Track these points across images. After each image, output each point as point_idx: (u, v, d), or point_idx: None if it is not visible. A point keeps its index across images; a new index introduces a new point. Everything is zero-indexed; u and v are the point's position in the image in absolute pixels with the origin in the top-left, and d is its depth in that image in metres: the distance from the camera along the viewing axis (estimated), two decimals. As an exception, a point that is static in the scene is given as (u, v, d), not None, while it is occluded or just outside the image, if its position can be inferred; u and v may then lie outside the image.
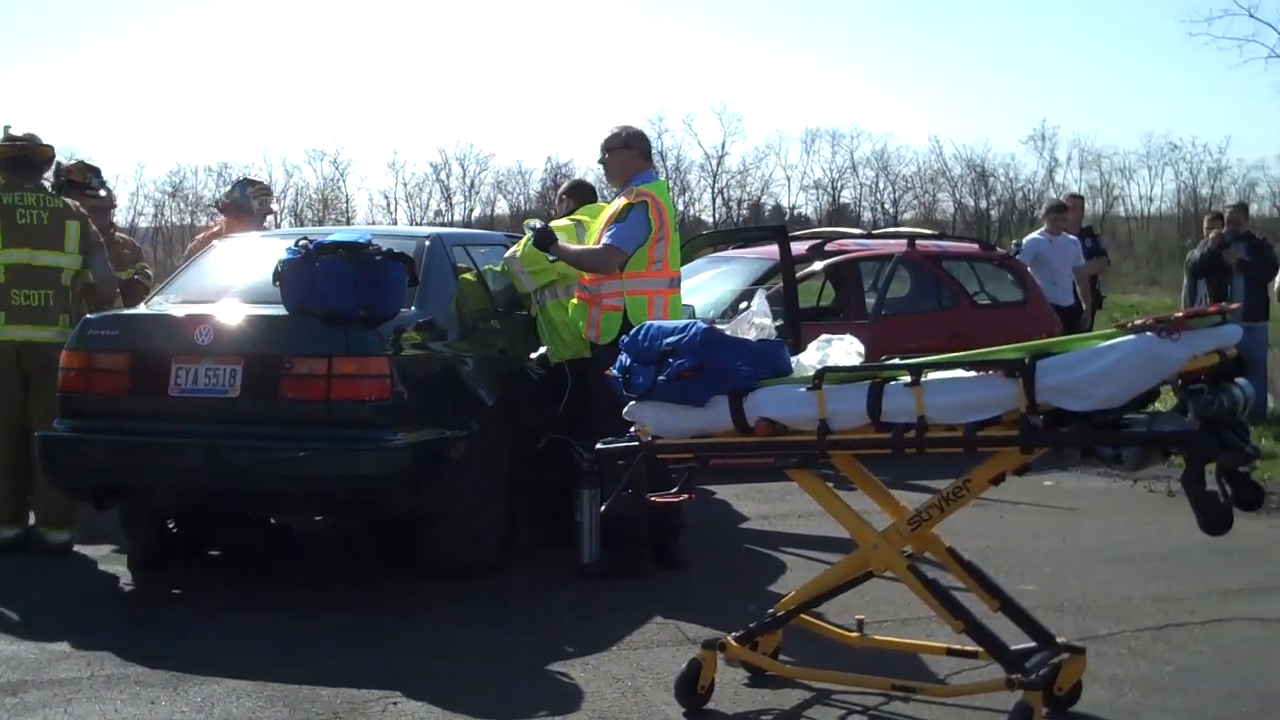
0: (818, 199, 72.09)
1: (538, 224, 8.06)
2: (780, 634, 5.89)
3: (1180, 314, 4.92)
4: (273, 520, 8.84)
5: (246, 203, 10.60)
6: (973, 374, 5.11)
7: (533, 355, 8.40)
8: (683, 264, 8.70)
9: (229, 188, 10.62)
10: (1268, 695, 5.91)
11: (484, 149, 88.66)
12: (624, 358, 5.67)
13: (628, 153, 8.23)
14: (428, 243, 8.20)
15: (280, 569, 8.43)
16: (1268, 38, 43.67)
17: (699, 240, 12.42)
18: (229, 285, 8.05)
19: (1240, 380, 4.96)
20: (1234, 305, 5.27)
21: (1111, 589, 7.76)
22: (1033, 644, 5.51)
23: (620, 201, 8.01)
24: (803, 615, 5.77)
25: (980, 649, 5.39)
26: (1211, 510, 4.76)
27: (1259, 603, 7.51)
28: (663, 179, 8.72)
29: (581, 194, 9.33)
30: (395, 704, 5.71)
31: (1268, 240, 14.94)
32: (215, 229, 10.92)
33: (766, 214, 67.47)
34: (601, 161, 8.46)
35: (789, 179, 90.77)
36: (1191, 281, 15.46)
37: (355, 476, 7.18)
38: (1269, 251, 14.10)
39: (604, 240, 7.91)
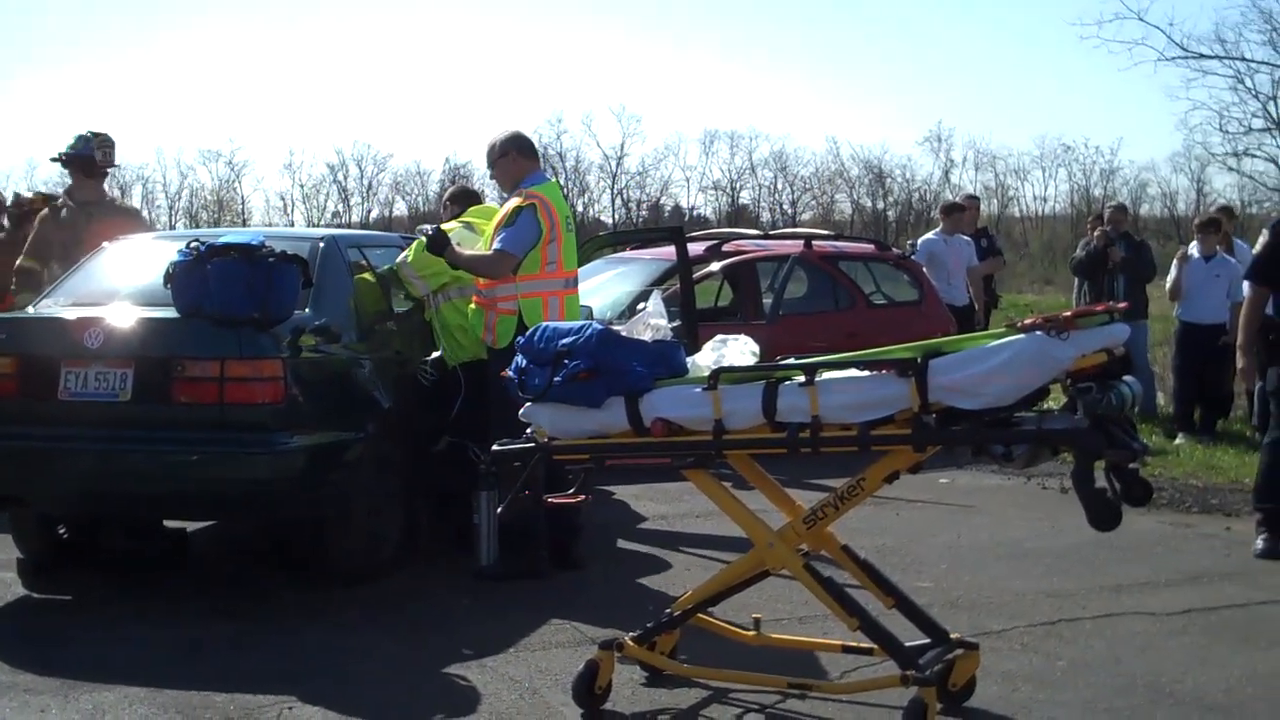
0: (717, 200, 72.45)
1: (431, 228, 8.00)
2: (677, 633, 5.91)
3: (1069, 313, 4.98)
4: (166, 525, 8.72)
5: (89, 152, 10.23)
6: (866, 373, 5.15)
7: (424, 360, 8.34)
8: (580, 265, 8.70)
9: (71, 140, 10.26)
10: (1157, 688, 6.00)
11: (382, 150, 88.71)
12: (519, 359, 5.66)
13: (508, 159, 8.22)
14: (322, 244, 8.12)
15: (173, 574, 8.32)
16: (1157, 41, 44.28)
17: (596, 241, 12.44)
18: (119, 287, 7.92)
19: (1128, 378, 5.03)
20: (1121, 305, 5.35)
21: (1005, 585, 7.85)
22: (927, 640, 5.57)
23: (510, 204, 7.99)
24: (699, 614, 5.79)
25: (875, 646, 5.44)
26: (1101, 506, 4.82)
27: (1148, 597, 7.62)
28: (554, 180, 8.71)
29: (465, 199, 9.31)
30: (290, 709, 5.66)
31: (1145, 241, 15.20)
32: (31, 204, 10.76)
33: (666, 215, 67.69)
34: (492, 176, 8.49)
35: (688, 180, 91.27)
36: (1079, 281, 15.70)
37: (249, 480, 7.12)
38: (1147, 251, 14.37)
39: (495, 245, 7.89)
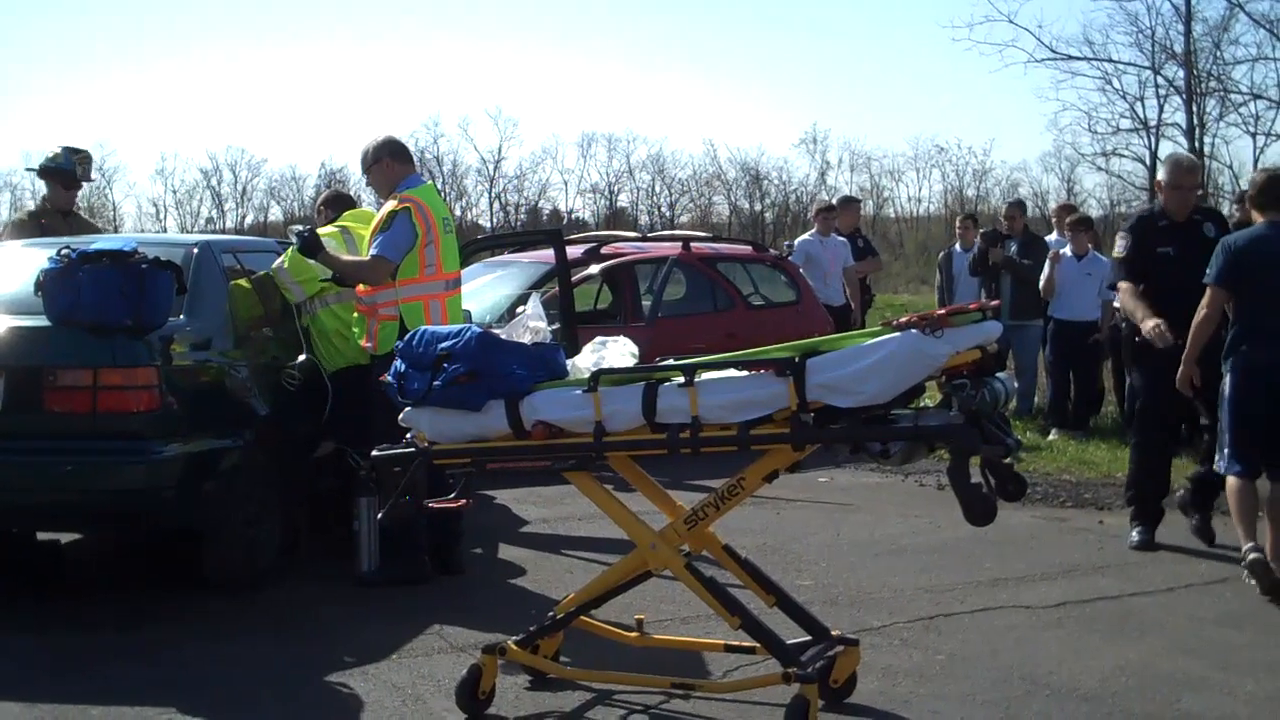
0: (595, 203, 72.43)
1: (304, 230, 7.88)
2: (561, 636, 5.91)
3: (943, 311, 5.05)
4: (39, 536, 8.57)
5: (70, 166, 10.49)
6: (745, 374, 5.19)
7: (290, 365, 8.23)
8: (460, 267, 8.66)
9: (52, 153, 10.48)
10: (1033, 679, 6.10)
11: (256, 154, 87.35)
12: (398, 364, 5.63)
13: (382, 165, 8.15)
14: (196, 250, 8.02)
15: (49, 585, 8.17)
16: (1027, 43, 45.08)
17: (475, 244, 12.40)
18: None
19: (1001, 375, 5.12)
20: (994, 302, 5.43)
21: (884, 581, 7.94)
22: (808, 638, 5.62)
23: (385, 209, 7.94)
24: (583, 617, 5.79)
25: (758, 644, 5.48)
26: (975, 502, 4.90)
27: (1023, 590, 7.75)
28: (429, 182, 8.65)
29: (340, 204, 9.22)
30: (170, 720, 5.59)
31: (1041, 238, 15.32)
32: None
33: (544, 218, 67.55)
34: (368, 182, 8.45)
35: (566, 183, 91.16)
36: (945, 281, 15.87)
37: (123, 490, 7.01)
38: (1042, 250, 14.46)
39: (371, 250, 7.84)
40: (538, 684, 5.91)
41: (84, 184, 10.97)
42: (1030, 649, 6.62)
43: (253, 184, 72.54)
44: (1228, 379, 7.91)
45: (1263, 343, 7.79)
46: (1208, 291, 8.00)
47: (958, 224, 17.44)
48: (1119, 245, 8.98)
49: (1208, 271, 8.01)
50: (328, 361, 8.23)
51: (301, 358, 8.19)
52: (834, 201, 17.45)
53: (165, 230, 65.28)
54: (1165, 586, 7.87)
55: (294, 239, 7.89)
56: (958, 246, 16.14)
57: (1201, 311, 8.03)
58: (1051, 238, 15.26)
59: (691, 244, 14.38)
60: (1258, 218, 8.07)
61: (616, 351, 5.68)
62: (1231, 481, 7.90)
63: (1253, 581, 7.65)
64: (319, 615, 7.29)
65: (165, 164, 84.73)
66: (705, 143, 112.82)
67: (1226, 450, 7.94)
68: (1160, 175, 9.06)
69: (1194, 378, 8.11)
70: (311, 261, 7.90)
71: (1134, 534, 8.88)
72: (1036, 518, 9.86)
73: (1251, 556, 7.62)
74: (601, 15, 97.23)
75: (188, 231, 62.10)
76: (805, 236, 15.95)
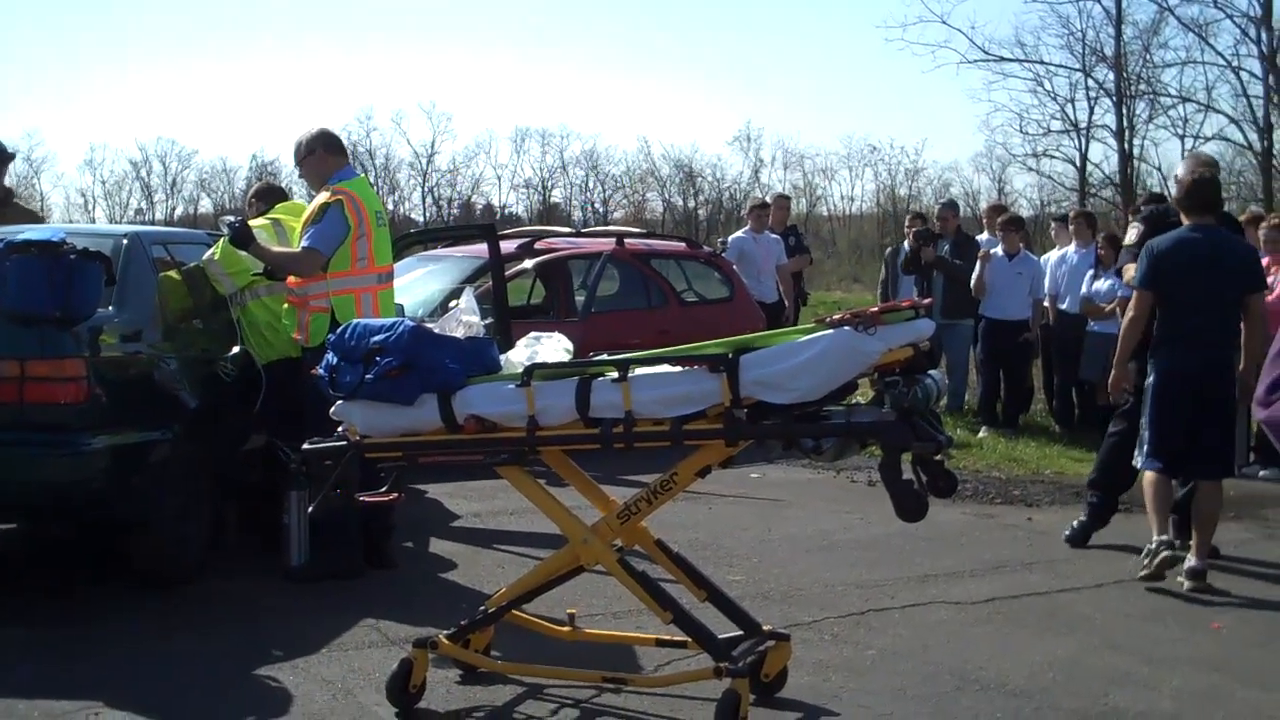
0: (529, 198, 72.24)
1: (235, 220, 7.82)
2: (492, 631, 5.91)
3: (875, 309, 5.08)
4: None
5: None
6: (678, 369, 5.20)
7: (225, 356, 8.17)
8: (393, 261, 8.61)
9: None
10: (963, 675, 6.15)
11: (187, 146, 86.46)
12: (330, 357, 5.60)
13: (315, 157, 8.10)
14: (125, 241, 7.94)
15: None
16: (959, 44, 45.33)
17: (408, 238, 12.33)
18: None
19: (933, 372, 5.16)
20: (926, 300, 5.46)
21: (815, 576, 7.98)
22: (740, 632, 5.64)
23: (317, 201, 7.90)
24: (514, 611, 5.79)
25: (689, 639, 5.49)
26: (906, 498, 4.93)
27: (953, 586, 7.81)
28: (362, 175, 8.61)
29: (271, 196, 9.15)
30: (97, 715, 5.53)
31: (972, 238, 15.41)
32: None
33: (478, 213, 67.26)
34: (300, 174, 8.40)
35: (500, 178, 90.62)
36: (890, 277, 15.95)
37: (50, 482, 6.94)
38: (974, 250, 14.55)
39: (303, 242, 7.79)
40: (469, 678, 5.89)
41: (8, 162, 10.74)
42: (960, 644, 6.67)
43: (183, 175, 71.91)
44: (1151, 378, 8.01)
45: (1184, 345, 7.89)
46: (1134, 295, 8.09)
47: (907, 222, 17.50)
48: (1131, 234, 9.01)
49: (1134, 275, 8.11)
50: (259, 354, 8.18)
51: (236, 349, 8.14)
52: (767, 199, 17.49)
53: (94, 221, 64.64)
54: (1094, 582, 7.95)
55: (225, 230, 7.83)
56: (906, 244, 16.23)
57: (1129, 314, 8.13)
58: (983, 238, 15.38)
59: (625, 240, 14.38)
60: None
61: (551, 347, 5.69)
62: (1149, 476, 8.02)
63: (1145, 562, 7.78)
64: (248, 609, 7.24)
65: (94, 155, 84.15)
66: (639, 139, 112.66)
67: (1146, 447, 8.05)
68: (1179, 171, 9.00)
69: (1126, 380, 8.19)
70: (243, 254, 7.85)
71: (1074, 524, 8.90)
72: (967, 514, 9.93)
73: (1164, 554, 7.73)
74: (536, 11, 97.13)
75: (117, 223, 61.48)
76: (739, 233, 15.97)
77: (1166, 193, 13.54)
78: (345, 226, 7.73)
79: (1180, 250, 7.93)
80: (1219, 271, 7.87)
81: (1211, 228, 7.98)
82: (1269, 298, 10.59)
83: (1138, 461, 8.19)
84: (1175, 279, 7.89)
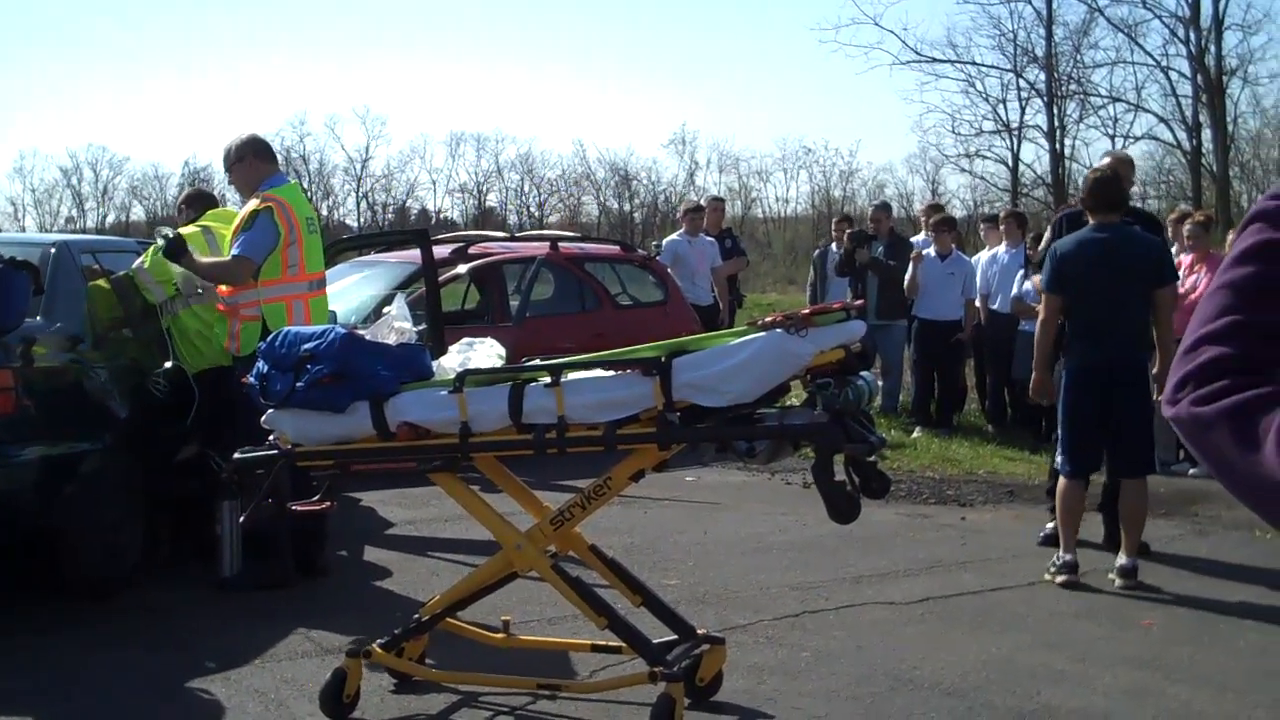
0: (464, 203, 71.99)
1: (169, 233, 7.77)
2: (426, 639, 5.88)
3: (807, 310, 5.09)
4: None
5: None
6: (611, 373, 5.20)
7: (156, 372, 8.09)
8: (326, 268, 8.57)
9: None
10: (897, 675, 6.18)
11: (118, 152, 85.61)
12: (261, 365, 5.56)
13: (244, 164, 8.05)
14: (54, 250, 7.88)
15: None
16: (892, 45, 45.55)
17: (341, 245, 12.28)
18: None
19: (865, 374, 5.17)
20: (858, 302, 5.48)
21: (750, 579, 7.99)
22: (675, 637, 5.64)
23: (247, 208, 7.85)
24: (448, 619, 5.77)
25: (624, 644, 5.49)
26: (839, 500, 4.95)
27: (887, 587, 7.84)
28: (293, 181, 8.56)
29: (201, 203, 9.08)
30: (24, 730, 5.48)
31: (906, 239, 15.48)
32: None
33: (413, 218, 66.99)
34: (230, 181, 8.34)
35: (435, 183, 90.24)
36: (818, 278, 16.01)
37: (-21, 494, 6.85)
38: (907, 251, 14.61)
39: (233, 250, 7.74)
40: (403, 686, 5.87)
41: None
42: (894, 644, 6.70)
43: (114, 183, 71.12)
44: (1062, 380, 8.08)
45: (1091, 344, 7.95)
46: (1043, 299, 8.16)
47: (834, 225, 17.57)
48: (1045, 238, 9.09)
49: (1041, 279, 8.18)
50: (190, 363, 8.11)
51: (168, 364, 8.07)
52: (701, 202, 17.52)
53: (24, 230, 63.94)
54: (1026, 581, 8.01)
55: (160, 241, 7.78)
56: (833, 246, 16.27)
57: (1039, 318, 8.21)
58: (919, 238, 15.45)
59: (559, 244, 14.37)
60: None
61: (483, 352, 5.68)
62: (1061, 481, 8.11)
63: (1060, 579, 7.89)
64: (181, 620, 7.18)
65: (24, 162, 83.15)
66: (574, 143, 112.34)
67: (1060, 446, 8.15)
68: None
69: (1048, 382, 8.24)
70: (175, 266, 7.80)
71: (1049, 525, 8.89)
72: (901, 515, 9.98)
73: (1063, 577, 7.87)
74: (470, 14, 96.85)
75: (47, 231, 60.84)
76: (673, 237, 16.00)
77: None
78: (275, 234, 7.68)
79: (1082, 251, 7.97)
80: (1123, 269, 7.91)
81: (1116, 225, 8.00)
82: (1191, 296, 10.74)
83: (1056, 465, 8.29)
84: (1079, 280, 7.93)
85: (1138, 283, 7.95)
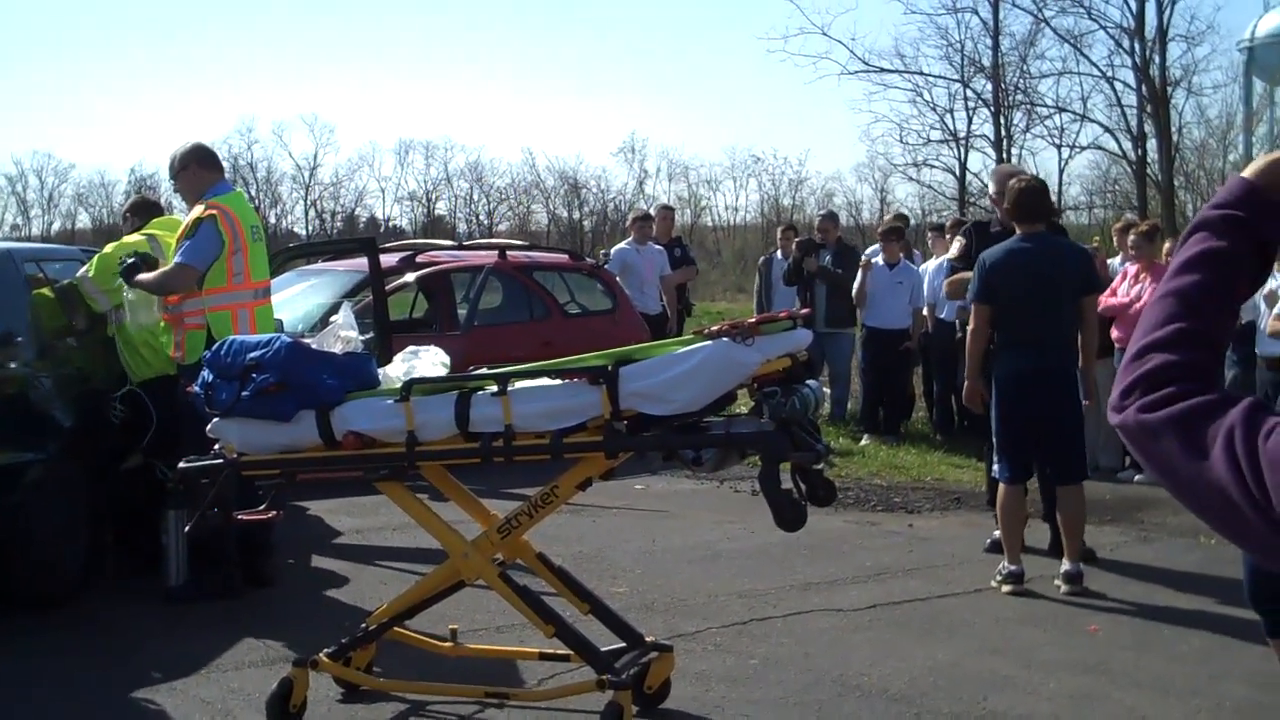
0: (413, 211, 71.75)
1: (131, 259, 7.71)
2: (374, 648, 5.88)
3: (753, 319, 5.12)
4: None
5: None
6: (558, 382, 5.21)
7: (113, 396, 8.02)
8: (272, 276, 8.53)
9: None
10: (845, 681, 6.21)
11: (64, 159, 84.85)
12: (206, 373, 5.54)
13: (189, 172, 8.01)
14: (-3, 258, 7.82)
15: None
16: (840, 55, 45.58)
17: (287, 253, 12.23)
18: None
19: (810, 382, 5.20)
20: (804, 310, 5.51)
21: (698, 587, 8.00)
22: (623, 644, 5.65)
23: (191, 216, 7.81)
24: (396, 628, 5.76)
25: (572, 652, 5.50)
26: (785, 508, 4.97)
27: (834, 594, 7.87)
28: (238, 190, 8.54)
29: (146, 211, 9.05)
30: (-34, 743, 5.43)
31: (856, 248, 15.54)
32: None
33: (361, 226, 66.73)
34: (175, 189, 8.31)
35: (383, 191, 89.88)
36: (764, 286, 16.04)
37: (-80, 505, 6.80)
38: (855, 260, 14.65)
39: (175, 259, 7.70)
40: (350, 696, 5.86)
41: None
42: (842, 651, 6.73)
43: (59, 190, 70.57)
44: (992, 388, 8.13)
45: (1020, 352, 8.00)
46: (972, 308, 8.20)
47: (779, 233, 17.60)
48: (954, 248, 9.16)
49: (969, 290, 8.23)
50: (135, 372, 8.06)
51: (125, 388, 8.01)
52: (650, 210, 17.51)
53: (-33, 238, 63.48)
54: (973, 588, 8.05)
55: (119, 268, 7.71)
56: (778, 254, 16.29)
57: (970, 327, 8.26)
58: (875, 248, 15.50)
59: (508, 252, 14.33)
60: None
61: (428, 361, 5.68)
62: (1001, 489, 8.18)
63: (1005, 588, 7.92)
64: (126, 630, 7.14)
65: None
66: (524, 151, 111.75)
67: (994, 455, 8.21)
68: (992, 188, 9.20)
69: (981, 393, 8.26)
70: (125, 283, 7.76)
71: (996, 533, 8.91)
72: (848, 522, 10.00)
73: (1009, 587, 7.92)
74: (419, 22, 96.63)
75: (-9, 239, 60.39)
76: (622, 245, 15.99)
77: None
78: (219, 242, 7.64)
79: (1011, 260, 8.02)
80: (1050, 278, 7.98)
81: (1042, 235, 8.09)
82: (1136, 305, 10.83)
83: (993, 473, 8.36)
84: (1008, 289, 7.99)
85: (1065, 291, 8.03)
